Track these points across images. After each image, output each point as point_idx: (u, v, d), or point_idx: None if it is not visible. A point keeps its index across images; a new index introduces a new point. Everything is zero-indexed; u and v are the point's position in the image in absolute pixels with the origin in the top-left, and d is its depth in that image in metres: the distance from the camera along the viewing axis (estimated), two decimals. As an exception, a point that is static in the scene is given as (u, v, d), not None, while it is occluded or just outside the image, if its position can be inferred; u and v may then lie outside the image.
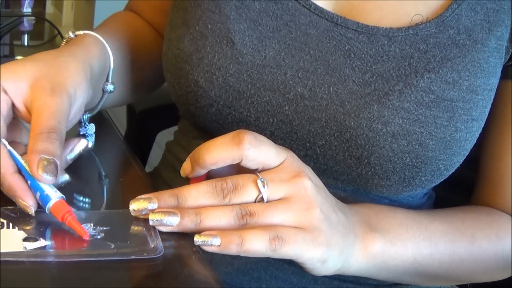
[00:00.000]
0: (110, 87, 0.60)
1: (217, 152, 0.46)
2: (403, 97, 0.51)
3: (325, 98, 0.53)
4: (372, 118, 0.51)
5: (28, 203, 0.44)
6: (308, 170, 0.48)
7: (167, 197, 0.44)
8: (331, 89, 0.52)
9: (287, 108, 0.54)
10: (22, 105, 0.48)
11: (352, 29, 0.54)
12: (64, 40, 0.60)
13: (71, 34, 0.59)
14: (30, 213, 0.44)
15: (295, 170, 0.47)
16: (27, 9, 1.70)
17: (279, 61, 0.54)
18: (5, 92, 0.48)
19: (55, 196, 0.44)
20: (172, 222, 0.43)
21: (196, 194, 0.45)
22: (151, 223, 0.43)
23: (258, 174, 0.46)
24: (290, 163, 0.47)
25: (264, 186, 0.45)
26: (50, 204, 0.43)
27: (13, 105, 0.49)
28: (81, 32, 0.59)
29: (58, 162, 0.44)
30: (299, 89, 0.53)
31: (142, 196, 0.45)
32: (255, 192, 0.45)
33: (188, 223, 0.43)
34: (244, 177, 0.45)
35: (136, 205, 0.44)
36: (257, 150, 0.46)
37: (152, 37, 0.74)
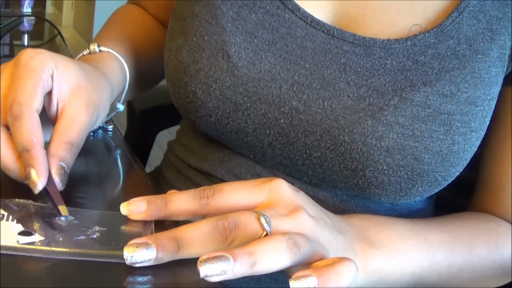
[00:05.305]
0: (120, 107, 0.64)
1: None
2: (398, 112, 0.51)
3: (320, 113, 0.52)
4: (366, 133, 0.51)
5: (41, 180, 0.43)
6: (301, 199, 0.46)
7: (166, 242, 0.40)
8: (326, 104, 0.52)
9: (282, 121, 0.53)
10: (56, 98, 0.49)
11: (348, 42, 0.53)
12: (87, 51, 0.62)
13: (96, 48, 0.62)
14: (36, 190, 0.43)
15: (291, 204, 0.44)
16: (27, 9, 1.70)
17: (274, 75, 0.53)
18: (52, 75, 0.49)
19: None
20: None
21: (198, 236, 0.40)
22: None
23: (257, 211, 0.42)
24: (280, 196, 0.45)
25: (267, 223, 0.41)
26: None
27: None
28: (105, 49, 0.62)
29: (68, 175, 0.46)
30: (293, 103, 0.53)
31: (137, 240, 0.39)
32: (259, 230, 0.41)
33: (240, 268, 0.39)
34: (245, 214, 0.42)
35: (130, 251, 0.39)
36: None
37: (162, 35, 0.75)
